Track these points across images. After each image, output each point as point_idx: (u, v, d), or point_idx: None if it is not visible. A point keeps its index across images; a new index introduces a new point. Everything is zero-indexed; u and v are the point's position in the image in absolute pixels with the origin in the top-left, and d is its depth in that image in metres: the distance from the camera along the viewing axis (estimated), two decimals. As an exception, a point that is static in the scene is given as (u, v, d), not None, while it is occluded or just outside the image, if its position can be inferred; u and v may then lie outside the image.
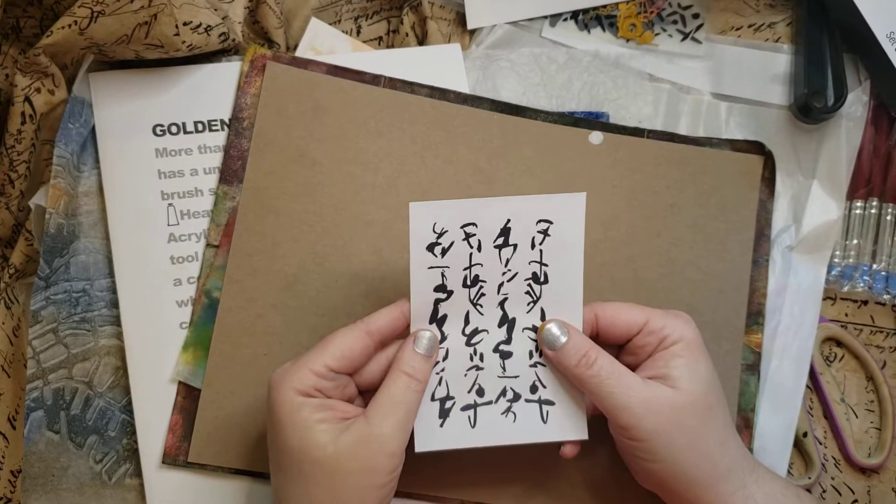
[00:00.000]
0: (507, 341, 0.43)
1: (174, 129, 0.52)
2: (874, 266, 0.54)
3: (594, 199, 0.52)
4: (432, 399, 0.43)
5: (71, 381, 0.49)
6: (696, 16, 0.57)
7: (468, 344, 0.43)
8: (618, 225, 0.52)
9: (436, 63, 0.54)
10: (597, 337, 0.44)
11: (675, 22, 0.57)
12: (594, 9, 0.57)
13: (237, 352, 0.49)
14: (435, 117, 0.53)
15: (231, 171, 0.51)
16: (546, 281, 0.43)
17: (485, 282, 0.42)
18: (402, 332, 0.43)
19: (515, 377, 0.44)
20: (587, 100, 0.55)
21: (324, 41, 0.55)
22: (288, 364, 0.41)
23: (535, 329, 0.43)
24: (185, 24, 0.49)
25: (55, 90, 0.49)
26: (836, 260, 0.54)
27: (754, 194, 0.53)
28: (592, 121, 0.54)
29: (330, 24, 0.56)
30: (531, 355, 0.44)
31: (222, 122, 0.52)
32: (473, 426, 0.43)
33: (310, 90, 0.52)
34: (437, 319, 0.43)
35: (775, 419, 0.51)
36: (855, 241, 0.54)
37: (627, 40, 0.57)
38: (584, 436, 0.44)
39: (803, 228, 0.54)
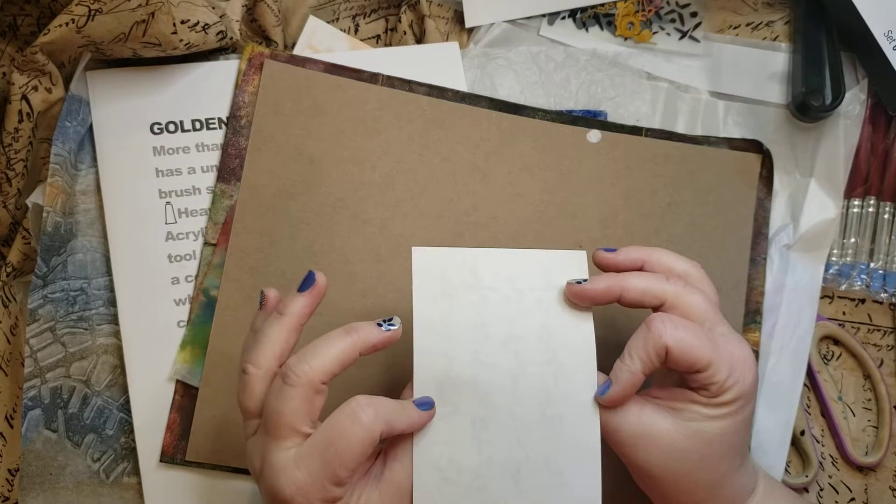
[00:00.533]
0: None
1: (172, 127, 0.52)
2: (871, 264, 0.54)
3: (592, 197, 0.52)
4: None
5: (69, 380, 0.49)
6: (694, 14, 0.57)
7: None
8: (615, 223, 0.52)
9: (434, 61, 0.54)
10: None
11: (673, 20, 0.57)
12: (592, 7, 0.57)
13: (235, 350, 0.49)
14: (433, 115, 0.53)
15: (229, 170, 0.51)
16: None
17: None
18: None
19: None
20: (585, 98, 0.55)
21: (321, 39, 0.55)
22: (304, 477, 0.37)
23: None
24: (182, 22, 0.48)
25: (52, 88, 0.49)
26: (833, 258, 0.54)
27: (752, 193, 0.53)
28: (590, 119, 0.54)
29: (328, 22, 0.56)
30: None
31: (220, 120, 0.52)
32: None
33: (308, 88, 0.52)
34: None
35: (773, 417, 0.51)
36: (852, 240, 0.54)
37: (625, 39, 0.57)
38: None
39: (801, 227, 0.54)
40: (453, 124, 0.53)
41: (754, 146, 0.54)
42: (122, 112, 0.51)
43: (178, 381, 0.49)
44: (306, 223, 0.51)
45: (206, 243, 0.50)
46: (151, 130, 0.52)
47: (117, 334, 0.50)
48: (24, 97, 0.48)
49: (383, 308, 0.50)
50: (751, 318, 0.52)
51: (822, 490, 0.52)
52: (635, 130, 0.53)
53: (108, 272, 0.50)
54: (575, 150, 0.53)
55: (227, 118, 0.52)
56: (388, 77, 0.53)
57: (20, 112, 0.48)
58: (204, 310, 0.50)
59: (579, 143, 0.53)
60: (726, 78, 0.56)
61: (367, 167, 0.52)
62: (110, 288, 0.50)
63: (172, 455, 0.48)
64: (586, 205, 0.52)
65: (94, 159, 0.51)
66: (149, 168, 0.51)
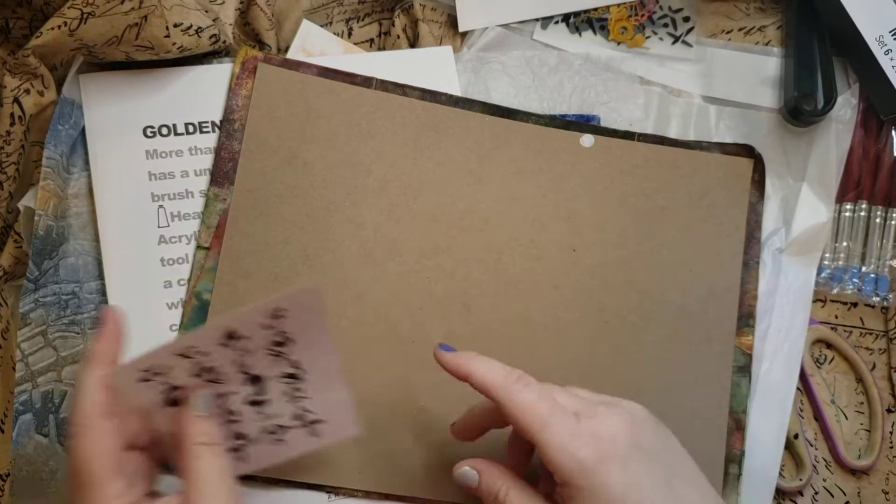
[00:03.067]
0: (260, 392, 0.41)
1: (164, 130, 0.52)
2: (863, 268, 0.54)
3: (585, 201, 0.53)
4: None
5: (60, 384, 0.49)
6: (686, 19, 0.57)
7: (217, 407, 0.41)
8: (608, 227, 0.52)
9: (427, 65, 0.54)
10: None
11: (665, 25, 0.57)
12: (585, 12, 0.57)
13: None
14: (426, 119, 0.53)
15: (222, 173, 0.51)
16: (304, 373, 0.41)
17: (223, 382, 0.40)
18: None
19: (278, 415, 0.42)
20: (578, 102, 0.55)
21: (315, 43, 0.55)
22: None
23: (290, 375, 0.41)
24: (175, 25, 0.48)
25: (45, 91, 0.49)
26: (825, 262, 0.54)
27: (744, 197, 0.53)
28: (583, 123, 0.54)
29: (321, 25, 0.55)
30: (289, 394, 0.42)
31: (213, 123, 0.52)
32: (247, 461, 0.43)
33: (301, 92, 0.52)
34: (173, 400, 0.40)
35: (766, 421, 0.51)
36: (844, 244, 0.55)
37: (618, 43, 0.57)
38: (357, 433, 0.44)
39: (793, 231, 0.54)
40: (447, 128, 0.53)
41: (746, 150, 0.54)
42: (114, 115, 0.51)
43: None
44: (300, 227, 0.51)
45: (198, 247, 0.50)
46: (144, 134, 0.51)
47: (109, 338, 0.49)
48: (16, 100, 0.48)
49: (375, 312, 0.50)
50: (744, 321, 0.52)
51: (816, 493, 0.52)
52: (628, 135, 0.53)
53: (100, 276, 0.50)
54: (568, 155, 0.53)
55: (221, 122, 0.52)
56: (382, 81, 0.53)
57: (12, 115, 0.48)
58: (196, 313, 0.49)
59: (572, 148, 0.53)
60: (719, 82, 0.56)
61: (361, 171, 0.52)
62: (102, 292, 0.50)
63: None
64: (580, 209, 0.52)
65: (86, 162, 0.51)
66: (141, 171, 0.51)
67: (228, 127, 0.52)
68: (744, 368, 0.51)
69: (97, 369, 0.39)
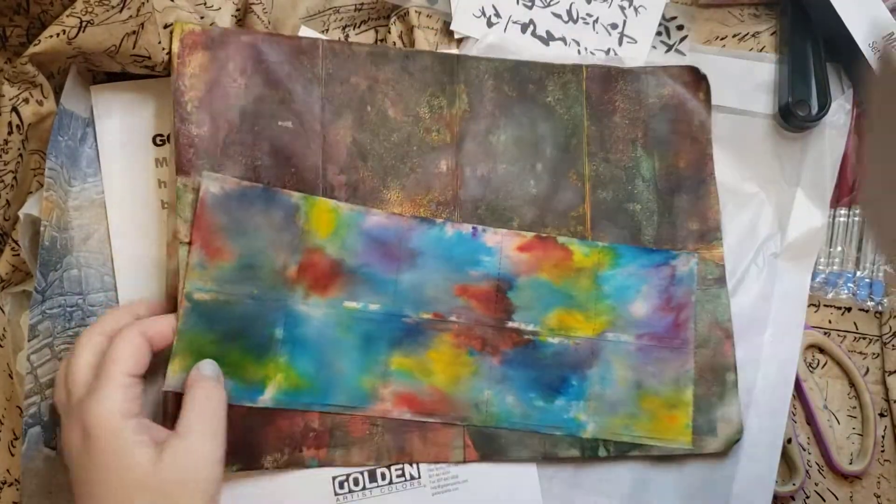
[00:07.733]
0: None
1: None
2: (858, 273, 0.55)
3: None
4: None
5: (66, 396, 0.49)
6: (680, 27, 0.57)
7: None
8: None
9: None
10: None
11: (659, 34, 0.57)
12: (581, 18, 0.57)
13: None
14: None
15: (186, 161, 0.47)
16: None
17: None
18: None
19: None
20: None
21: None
22: (87, 391, 0.42)
23: None
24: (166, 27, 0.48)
25: (43, 101, 0.49)
26: (820, 267, 0.55)
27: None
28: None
29: (318, 33, 0.56)
30: None
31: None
32: None
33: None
34: None
35: (762, 425, 0.51)
36: (839, 249, 0.55)
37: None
38: None
39: (788, 236, 0.54)
40: None
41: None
42: (125, 125, 0.51)
43: (170, 393, 0.47)
44: None
45: (181, 244, 0.47)
46: (154, 142, 0.51)
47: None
48: (15, 109, 0.48)
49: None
50: (712, 235, 0.53)
51: (808, 498, 0.52)
52: None
53: (103, 288, 0.50)
54: None
55: (173, 106, 0.48)
56: (330, 41, 0.52)
57: (10, 124, 0.48)
58: (190, 315, 0.47)
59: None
60: (712, 89, 0.56)
61: None
62: (105, 304, 0.50)
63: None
64: None
65: (87, 176, 0.51)
66: (151, 179, 0.51)
67: (181, 111, 0.48)
68: (719, 280, 0.53)
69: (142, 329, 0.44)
